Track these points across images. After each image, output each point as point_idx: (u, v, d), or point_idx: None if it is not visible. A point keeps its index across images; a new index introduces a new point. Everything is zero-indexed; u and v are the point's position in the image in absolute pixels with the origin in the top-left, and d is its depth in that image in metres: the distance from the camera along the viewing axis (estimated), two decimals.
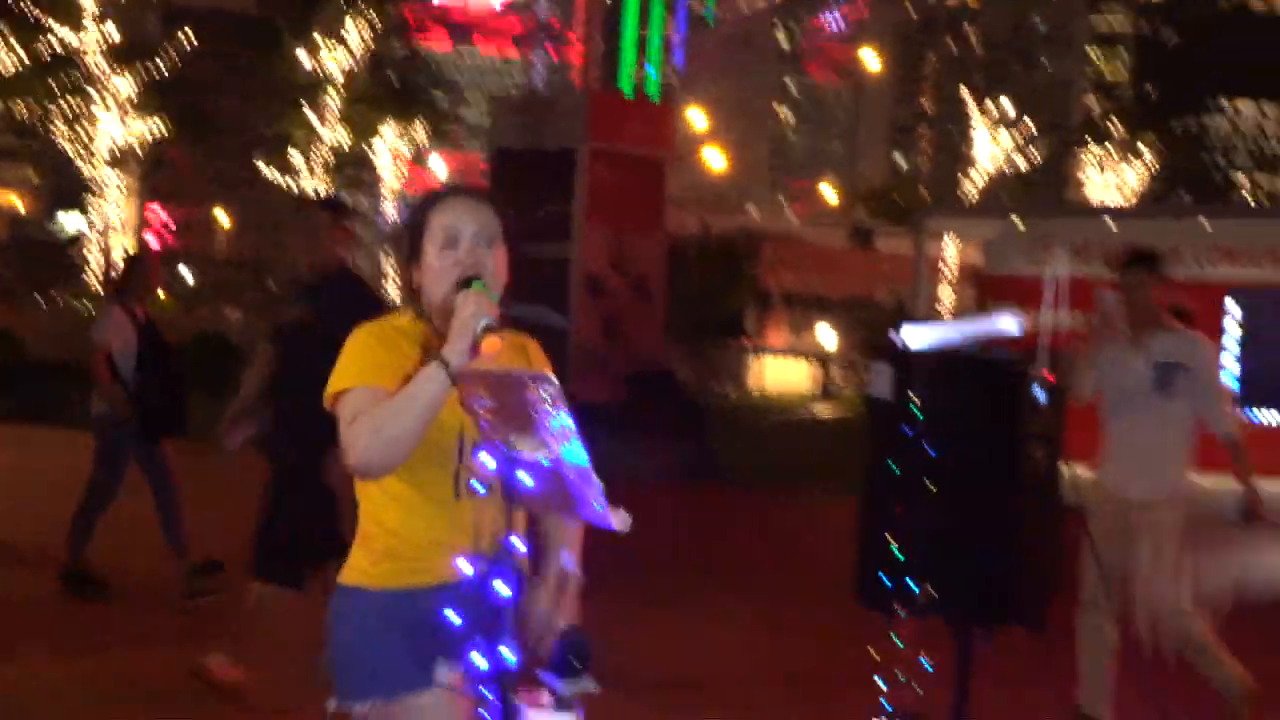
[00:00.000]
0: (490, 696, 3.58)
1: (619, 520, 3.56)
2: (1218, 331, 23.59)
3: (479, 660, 3.61)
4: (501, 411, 3.58)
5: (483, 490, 3.77)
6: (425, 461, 3.92)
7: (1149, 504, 8.50)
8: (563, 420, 3.47)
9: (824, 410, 36.84)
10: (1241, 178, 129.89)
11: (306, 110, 54.78)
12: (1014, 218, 25.85)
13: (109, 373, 11.64)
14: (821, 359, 45.90)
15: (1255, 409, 23.65)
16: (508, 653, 3.59)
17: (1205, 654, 8.37)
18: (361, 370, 3.97)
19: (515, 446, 3.56)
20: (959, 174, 76.59)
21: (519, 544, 3.68)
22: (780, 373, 43.76)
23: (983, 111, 72.29)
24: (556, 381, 3.49)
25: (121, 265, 12.63)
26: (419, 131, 58.42)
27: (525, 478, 3.55)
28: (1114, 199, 72.19)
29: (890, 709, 6.94)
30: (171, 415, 11.76)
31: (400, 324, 4.10)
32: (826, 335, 47.02)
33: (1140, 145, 75.32)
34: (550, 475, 3.54)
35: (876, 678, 6.94)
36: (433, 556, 3.93)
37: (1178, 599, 8.37)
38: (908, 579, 6.76)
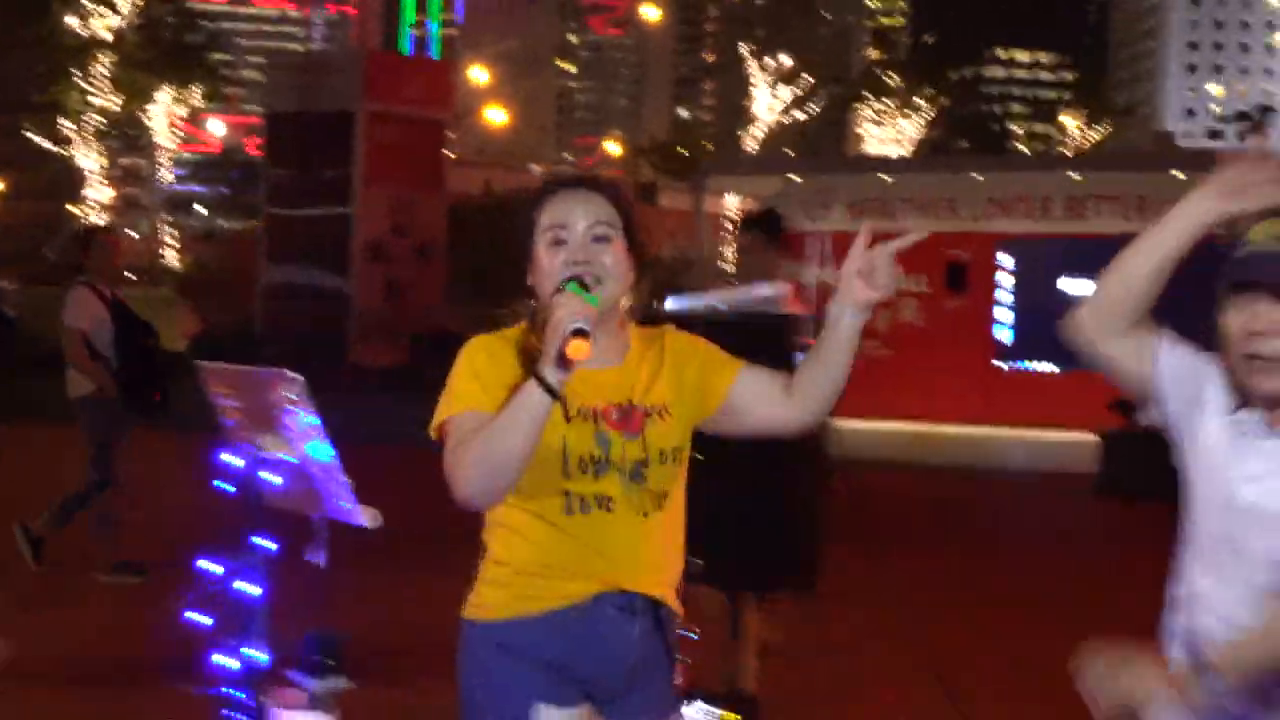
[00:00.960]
0: (241, 697, 3.54)
1: (368, 517, 3.54)
2: (994, 282, 24.07)
3: (228, 660, 3.57)
4: (247, 410, 3.52)
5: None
6: (529, 481, 3.68)
7: None
8: (308, 418, 3.43)
9: None
10: (1017, 127, 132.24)
11: (77, 76, 53.59)
12: (791, 175, 26.09)
13: (87, 354, 11.34)
14: None
15: (1027, 360, 24.18)
16: (257, 653, 3.55)
17: None
18: (463, 394, 3.70)
19: (262, 445, 3.51)
20: (740, 128, 77.14)
21: (267, 543, 3.63)
22: None
23: (762, 66, 72.87)
24: (301, 379, 3.44)
25: (75, 244, 12.19)
26: (195, 93, 57.47)
27: (271, 476, 3.52)
28: (894, 152, 73.23)
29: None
30: (155, 389, 11.52)
31: (511, 335, 3.81)
32: None
33: (917, 98, 76.45)
34: (297, 473, 3.51)
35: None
36: (542, 582, 3.75)
37: None
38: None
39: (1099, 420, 18.24)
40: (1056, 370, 23.86)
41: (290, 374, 3.34)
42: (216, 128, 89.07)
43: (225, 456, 3.50)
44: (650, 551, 3.80)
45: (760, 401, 3.89)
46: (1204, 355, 3.63)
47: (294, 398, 3.33)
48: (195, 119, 60.81)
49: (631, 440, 3.74)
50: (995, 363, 24.24)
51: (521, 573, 3.76)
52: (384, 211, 25.41)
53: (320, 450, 3.42)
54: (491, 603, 3.79)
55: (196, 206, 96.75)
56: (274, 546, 3.58)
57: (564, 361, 3.45)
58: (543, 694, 3.73)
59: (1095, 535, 15.25)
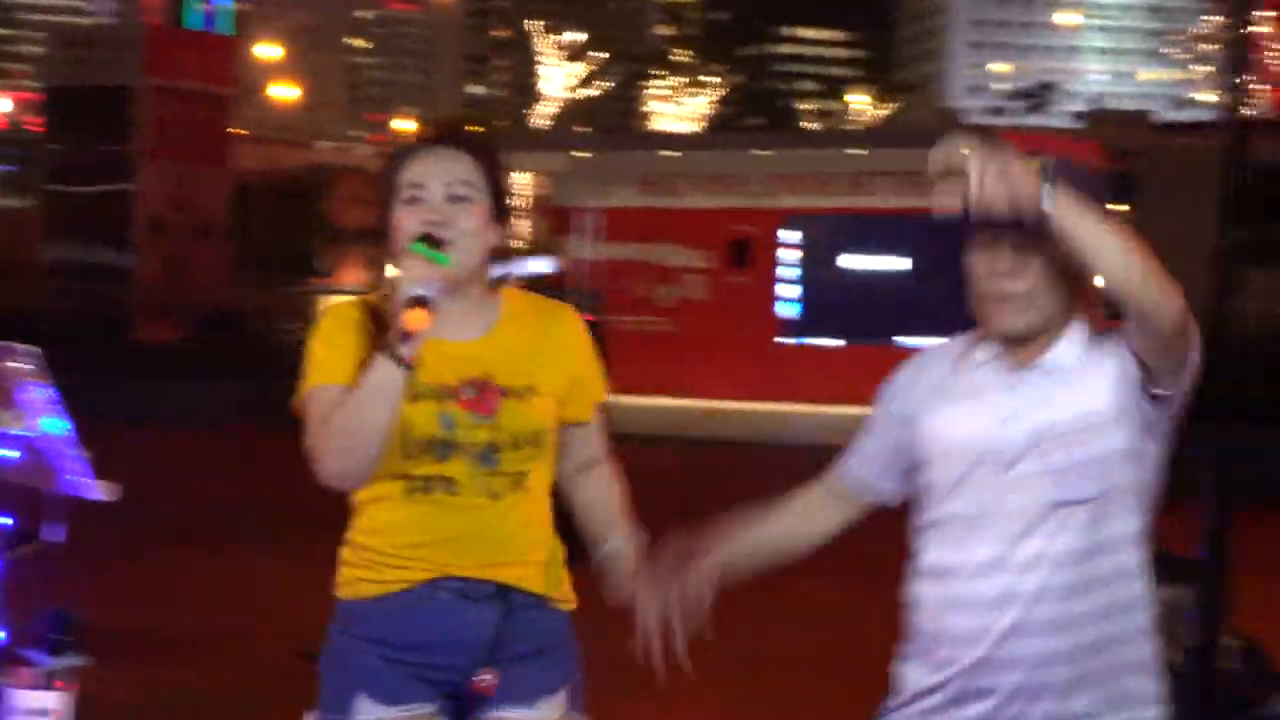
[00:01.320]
0: None
1: (105, 491, 3.48)
2: (779, 258, 24.29)
3: None
4: None
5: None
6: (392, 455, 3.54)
7: None
8: (43, 392, 3.36)
9: None
10: (806, 105, 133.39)
11: None
12: (579, 152, 26.10)
13: None
14: None
15: (811, 335, 24.46)
16: None
17: None
18: (318, 366, 3.54)
19: None
20: (531, 105, 77.01)
21: (2, 519, 3.55)
22: None
23: (553, 43, 72.82)
24: (37, 351, 3.35)
25: None
26: None
27: (5, 451, 3.44)
28: (686, 129, 73.53)
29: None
30: None
31: (372, 300, 3.62)
32: None
33: (707, 75, 76.89)
34: (30, 447, 3.44)
35: None
36: (381, 564, 3.60)
37: None
38: None
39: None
40: (840, 345, 24.19)
41: (23, 347, 3.27)
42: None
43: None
44: (500, 535, 3.60)
45: (568, 457, 3.76)
46: (873, 419, 3.74)
47: (28, 371, 3.26)
48: None
49: (482, 422, 3.55)
50: (779, 339, 24.49)
51: (364, 553, 3.62)
52: (165, 187, 25.09)
53: (55, 424, 3.35)
54: (341, 581, 3.66)
55: None
56: (9, 522, 3.50)
57: (404, 332, 3.33)
58: (370, 685, 3.59)
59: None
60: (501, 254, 3.70)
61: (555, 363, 3.67)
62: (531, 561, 3.65)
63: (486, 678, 3.58)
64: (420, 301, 3.32)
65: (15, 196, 68.83)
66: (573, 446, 3.75)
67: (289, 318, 34.67)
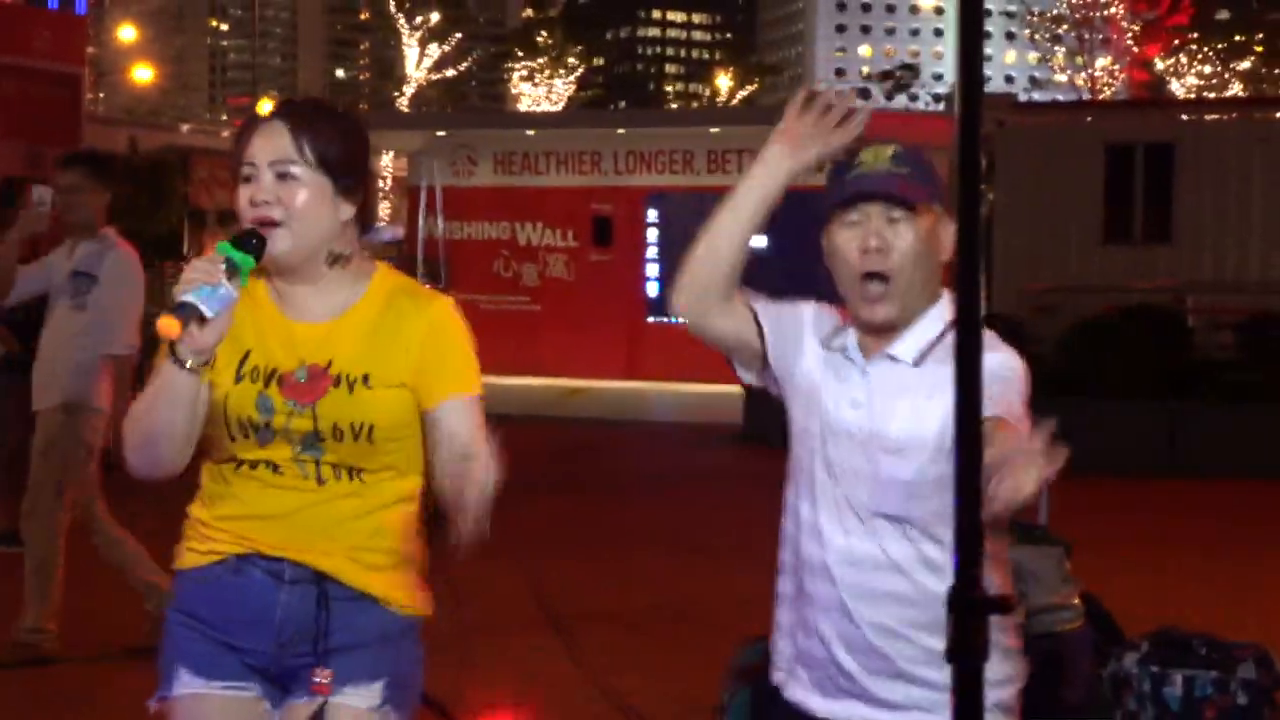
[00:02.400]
0: None
1: None
2: (641, 236, 24.31)
3: None
4: None
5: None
6: (207, 436, 3.47)
7: (47, 411, 8.20)
8: None
9: None
10: (670, 87, 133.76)
11: None
12: (438, 130, 25.99)
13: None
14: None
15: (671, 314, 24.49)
16: None
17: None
18: (160, 355, 3.40)
19: None
20: (394, 88, 76.72)
21: None
22: None
23: (413, 26, 72.52)
24: None
25: None
26: None
27: None
28: (549, 110, 73.43)
29: None
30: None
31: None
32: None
33: (571, 57, 76.79)
34: None
35: None
36: (203, 536, 3.52)
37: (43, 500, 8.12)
38: None
39: None
40: None
41: None
42: None
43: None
44: (322, 522, 3.46)
45: (436, 451, 3.47)
46: (791, 303, 3.72)
47: None
48: None
49: (300, 411, 3.42)
50: (644, 318, 24.53)
51: (191, 525, 3.56)
52: (17, 167, 24.61)
53: None
54: (177, 551, 3.59)
55: None
56: None
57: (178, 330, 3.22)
58: (190, 659, 3.53)
59: (737, 479, 15.54)
60: (363, 226, 3.54)
61: (405, 352, 3.48)
62: (357, 553, 3.50)
63: (320, 679, 3.48)
64: (179, 310, 3.20)
65: None
66: (442, 437, 3.45)
67: (149, 296, 34.36)
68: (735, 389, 18.89)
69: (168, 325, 3.20)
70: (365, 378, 3.44)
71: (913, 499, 3.40)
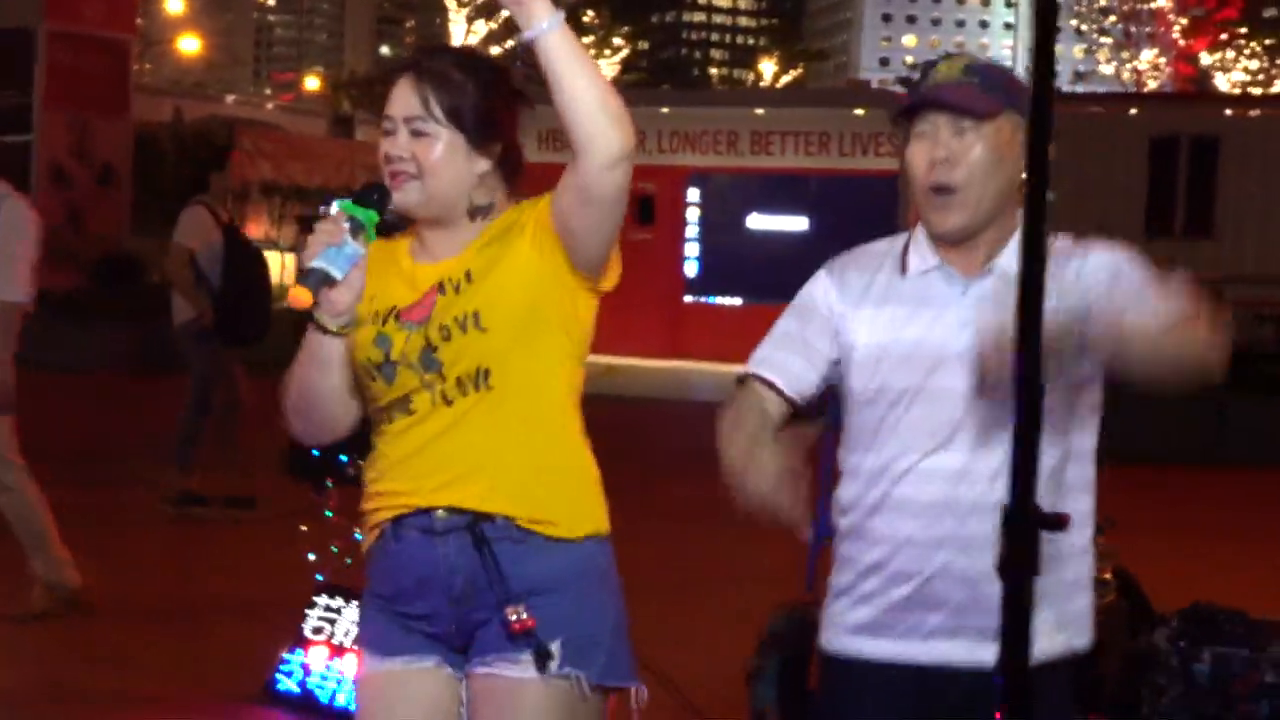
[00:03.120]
0: None
1: None
2: (682, 216, 24.34)
3: None
4: None
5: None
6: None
7: None
8: None
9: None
10: (715, 71, 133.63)
11: None
12: None
13: (192, 276, 10.74)
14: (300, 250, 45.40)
15: (713, 294, 24.51)
16: None
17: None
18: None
19: None
20: None
21: None
22: None
23: (460, 2, 72.51)
24: None
25: (208, 159, 11.49)
26: None
27: None
28: None
29: (322, 578, 6.98)
30: (255, 322, 10.98)
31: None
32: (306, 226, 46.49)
33: (616, 38, 76.90)
34: None
35: (310, 554, 6.99)
36: (370, 510, 3.50)
37: None
38: (338, 452, 6.75)
39: None
40: (740, 303, 24.28)
41: None
42: None
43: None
44: (456, 445, 3.36)
45: (568, 190, 3.30)
46: (798, 313, 3.72)
47: None
48: None
49: (415, 330, 3.38)
50: (683, 297, 24.56)
51: (365, 500, 3.53)
52: (65, 134, 24.77)
53: None
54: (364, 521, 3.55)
55: None
56: None
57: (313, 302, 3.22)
58: (370, 639, 3.54)
59: None
60: (509, 174, 3.51)
61: (519, 228, 3.43)
62: (506, 475, 3.38)
63: (515, 617, 3.34)
64: (307, 277, 3.21)
65: None
66: (563, 191, 3.31)
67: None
68: None
69: (298, 296, 3.21)
70: (468, 274, 3.41)
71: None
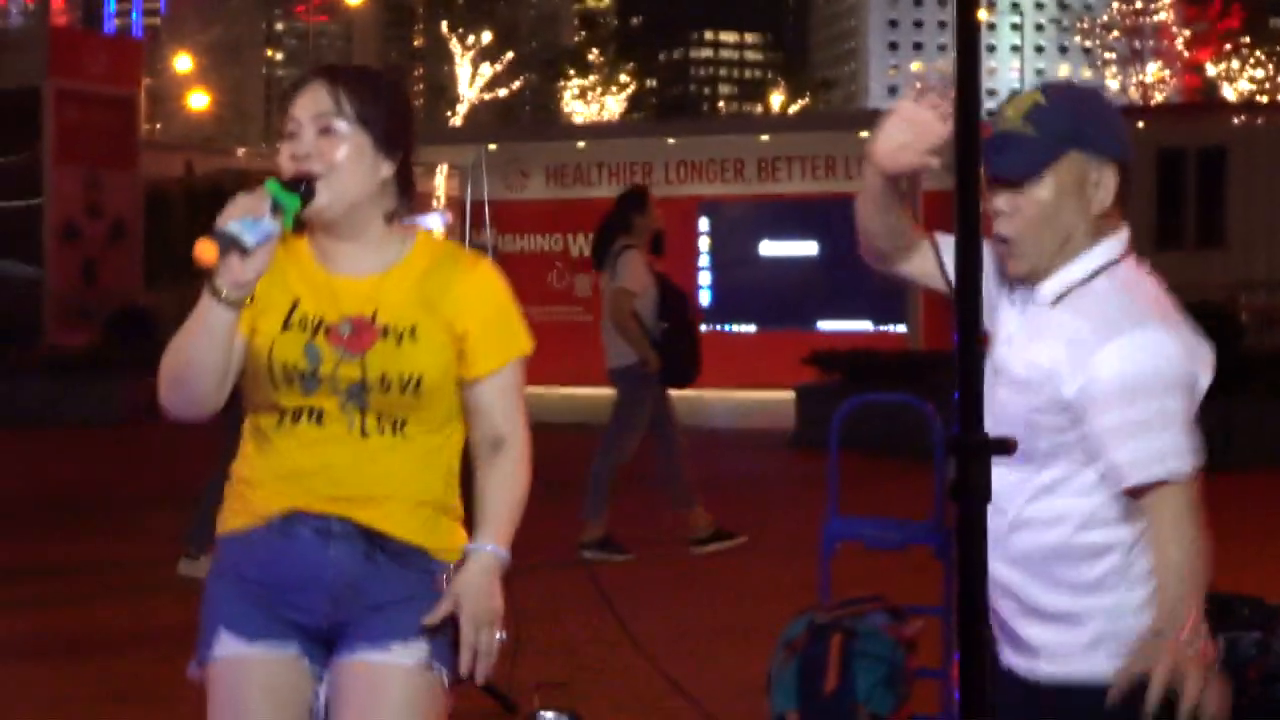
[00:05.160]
0: None
1: None
2: (693, 245, 24.39)
3: None
4: None
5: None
6: (249, 390, 3.56)
7: None
8: None
9: None
10: (723, 106, 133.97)
11: None
12: (489, 144, 26.09)
13: (636, 322, 10.73)
14: None
15: (727, 322, 24.53)
16: None
17: None
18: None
19: None
20: (447, 107, 77.20)
21: None
22: None
23: (465, 47, 72.93)
24: None
25: (626, 202, 11.38)
26: None
27: None
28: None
29: None
30: (692, 364, 11.02)
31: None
32: None
33: (622, 75, 77.18)
34: None
35: None
36: (249, 497, 3.59)
37: None
38: None
39: (796, 377, 18.68)
40: (755, 330, 24.31)
41: None
42: None
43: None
44: (366, 473, 3.51)
45: (474, 425, 3.61)
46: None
47: None
48: None
49: (349, 359, 3.47)
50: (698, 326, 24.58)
51: (235, 487, 3.62)
52: (76, 191, 24.94)
53: None
54: (222, 516, 3.63)
55: None
56: None
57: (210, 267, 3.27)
58: (230, 620, 3.56)
59: (789, 482, 15.60)
60: (402, 186, 3.59)
61: (453, 312, 3.55)
62: (400, 505, 3.56)
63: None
64: (218, 236, 3.23)
65: None
66: (476, 414, 3.59)
67: None
68: (786, 394, 18.96)
69: (204, 250, 3.23)
70: (412, 330, 3.51)
71: (1030, 433, 3.35)
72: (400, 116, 3.60)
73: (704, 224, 24.48)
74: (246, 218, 3.29)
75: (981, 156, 3.40)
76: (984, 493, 2.05)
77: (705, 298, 24.38)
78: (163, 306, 26.68)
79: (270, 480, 3.56)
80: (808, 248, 24.09)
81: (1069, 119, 3.44)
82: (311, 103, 3.50)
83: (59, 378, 20.41)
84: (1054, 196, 3.40)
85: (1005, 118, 3.47)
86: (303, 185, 3.42)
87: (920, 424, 7.43)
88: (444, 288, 3.57)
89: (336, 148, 3.48)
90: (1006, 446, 2.15)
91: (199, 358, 3.44)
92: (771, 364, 21.89)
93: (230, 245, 3.26)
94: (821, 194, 23.19)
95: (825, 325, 22.92)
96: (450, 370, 3.56)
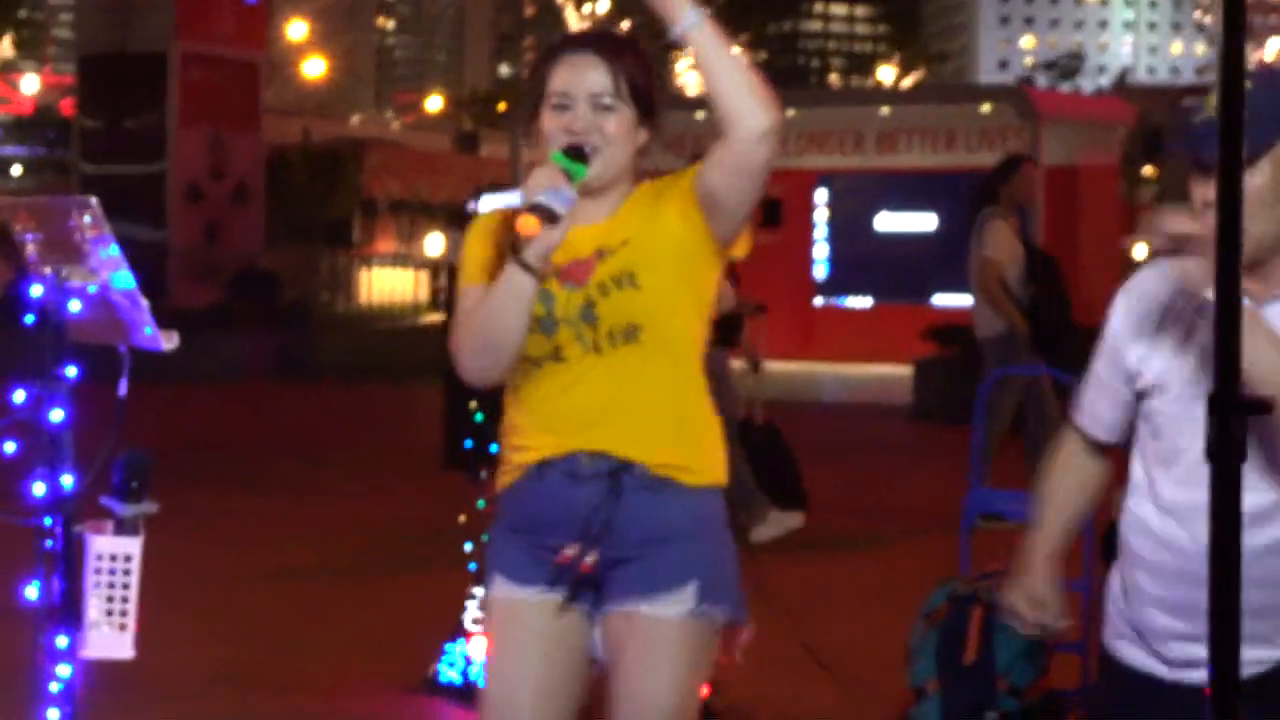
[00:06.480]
0: (52, 523, 3.58)
1: (168, 340, 3.60)
2: (810, 218, 24.35)
3: (38, 488, 3.60)
4: (49, 241, 3.55)
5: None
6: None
7: None
8: (109, 249, 3.48)
9: (432, 316, 36.65)
10: (835, 78, 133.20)
11: None
12: None
13: (1003, 290, 10.63)
14: (433, 267, 45.59)
15: (843, 295, 24.47)
16: (68, 480, 3.59)
17: None
18: (465, 270, 3.72)
19: (64, 276, 3.53)
20: None
21: (70, 370, 3.64)
22: (389, 282, 43.26)
23: (582, 16, 72.91)
24: (97, 203, 3.43)
25: (995, 172, 11.14)
26: (5, 46, 56.25)
27: (75, 305, 3.55)
28: None
29: (476, 567, 7.06)
30: (1067, 328, 10.77)
31: (509, 212, 3.65)
32: (434, 243, 46.65)
33: (736, 46, 76.87)
34: (99, 302, 3.55)
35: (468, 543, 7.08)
36: (511, 451, 3.70)
37: None
38: (490, 443, 6.85)
39: (913, 351, 18.64)
40: (870, 304, 24.25)
41: (88, 199, 3.37)
42: (30, 86, 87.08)
43: (28, 288, 3.50)
44: (608, 390, 3.62)
45: (719, 165, 3.52)
46: (1102, 356, 3.63)
47: (94, 225, 3.37)
48: (8, 77, 59.27)
49: (575, 289, 3.61)
50: (813, 299, 24.54)
51: (503, 446, 3.74)
52: (200, 153, 25.21)
53: (123, 279, 3.47)
54: (497, 474, 3.77)
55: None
56: (75, 373, 3.61)
57: (515, 233, 3.45)
58: (504, 565, 3.72)
59: (910, 451, 15.60)
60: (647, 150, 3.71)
61: (654, 206, 3.65)
62: (646, 421, 3.62)
63: (569, 553, 3.60)
64: (536, 209, 3.42)
65: (51, 177, 69.14)
66: (710, 167, 3.53)
67: (324, 285, 34.83)
68: (904, 369, 18.93)
69: (528, 223, 3.43)
70: (625, 241, 3.64)
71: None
72: (651, 85, 3.73)
73: (822, 196, 24.41)
74: (550, 189, 3.46)
75: (1190, 146, 3.39)
76: (1240, 452, 2.06)
77: (821, 271, 24.32)
78: (283, 267, 26.98)
79: (528, 431, 3.68)
80: (926, 221, 24.00)
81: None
82: (586, 78, 3.63)
83: (183, 336, 20.64)
84: (1271, 182, 3.31)
85: (1208, 107, 3.41)
86: (583, 153, 3.56)
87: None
88: (656, 198, 3.67)
89: (611, 123, 3.62)
90: (1267, 406, 2.15)
91: (511, 324, 3.57)
92: (886, 337, 21.84)
93: (546, 216, 3.44)
94: (940, 167, 23.06)
95: (941, 299, 22.82)
96: (675, 258, 3.62)
